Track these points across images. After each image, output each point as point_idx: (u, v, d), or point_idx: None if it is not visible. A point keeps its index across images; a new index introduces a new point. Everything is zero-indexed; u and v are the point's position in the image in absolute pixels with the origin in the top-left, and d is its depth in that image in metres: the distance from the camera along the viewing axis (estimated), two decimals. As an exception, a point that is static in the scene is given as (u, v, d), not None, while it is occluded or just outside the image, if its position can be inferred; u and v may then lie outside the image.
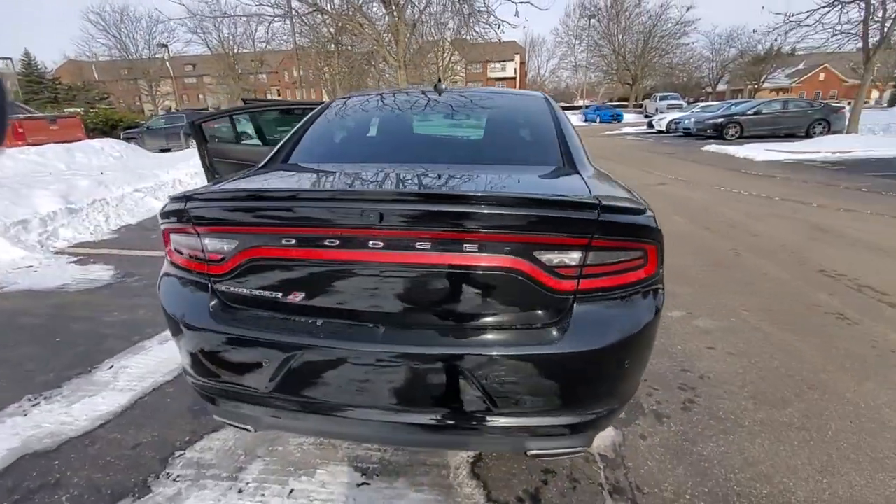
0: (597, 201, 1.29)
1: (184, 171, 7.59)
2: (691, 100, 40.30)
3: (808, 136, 16.76)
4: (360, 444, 1.99)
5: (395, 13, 11.60)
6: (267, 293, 1.42)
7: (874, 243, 4.76)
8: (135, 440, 2.04)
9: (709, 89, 51.58)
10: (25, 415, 2.19)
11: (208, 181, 3.31)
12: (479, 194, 1.26)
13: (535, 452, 1.43)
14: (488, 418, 1.34)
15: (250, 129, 3.85)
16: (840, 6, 13.65)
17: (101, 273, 4.10)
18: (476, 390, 1.30)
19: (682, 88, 47.06)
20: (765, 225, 5.65)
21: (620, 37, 42.36)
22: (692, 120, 19.95)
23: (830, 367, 2.61)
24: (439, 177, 1.60)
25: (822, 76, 55.42)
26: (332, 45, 17.80)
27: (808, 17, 14.45)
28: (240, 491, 1.76)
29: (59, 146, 9.07)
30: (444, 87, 2.56)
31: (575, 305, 1.34)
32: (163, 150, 14.78)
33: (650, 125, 25.97)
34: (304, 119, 2.36)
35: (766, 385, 2.45)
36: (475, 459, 1.92)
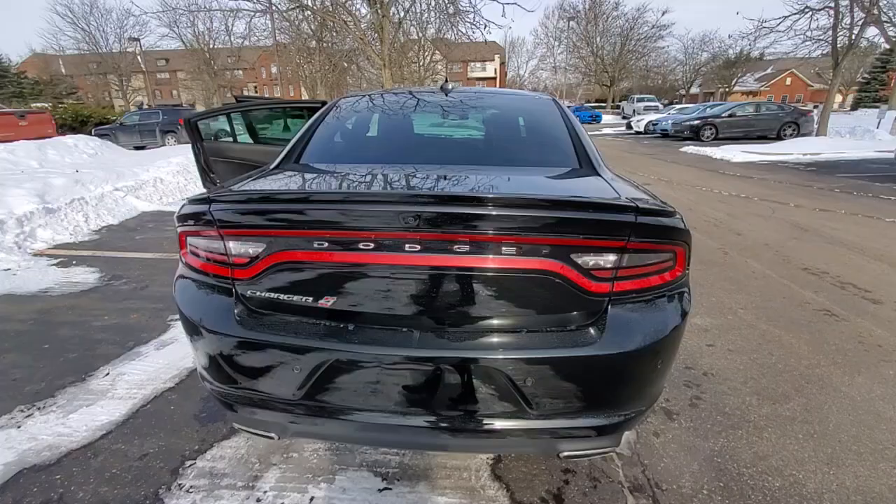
0: (633, 204, 1.30)
1: (165, 169, 7.34)
2: (666, 102, 41.30)
3: (779, 138, 17.37)
4: (378, 449, 1.96)
5: (379, 11, 11.49)
6: (296, 298, 1.38)
7: (852, 242, 4.96)
8: (141, 450, 1.96)
9: (682, 91, 52.94)
10: (19, 427, 2.08)
11: (203, 181, 3.22)
12: (521, 197, 1.26)
13: (567, 454, 1.44)
14: (525, 421, 1.34)
15: (232, 127, 3.74)
16: (810, 13, 14.20)
17: (85, 276, 3.93)
18: (514, 393, 1.30)
19: (656, 90, 48.20)
20: (747, 224, 5.83)
21: (598, 39, 43.10)
22: (669, 122, 20.43)
23: (824, 362, 2.71)
24: (468, 179, 1.58)
25: (788, 80, 57.59)
26: (313, 42, 17.53)
27: (779, 23, 14.96)
28: (258, 500, 1.71)
29: (31, 143, 8.66)
30: (450, 87, 2.55)
31: (609, 307, 1.34)
32: (137, 148, 14.28)
33: (629, 126, 26.49)
34: (313, 118, 2.31)
35: (766, 381, 2.53)
36: (495, 461, 1.92)
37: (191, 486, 1.78)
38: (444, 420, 1.35)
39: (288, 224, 1.34)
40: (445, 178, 1.54)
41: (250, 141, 3.65)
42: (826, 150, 13.55)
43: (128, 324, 3.07)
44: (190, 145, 3.49)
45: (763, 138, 17.59)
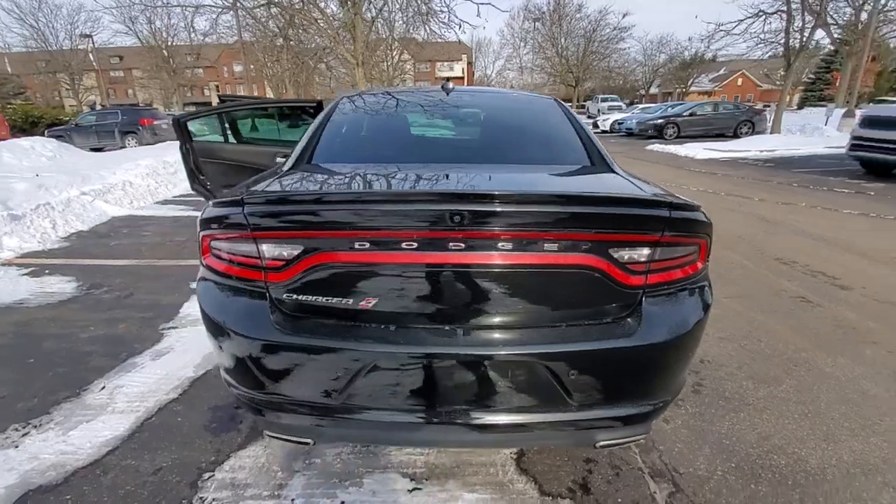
0: (668, 200, 1.35)
1: (133, 172, 6.99)
2: (628, 101, 42.62)
3: (735, 136, 18.26)
4: (402, 450, 1.95)
5: (352, 10, 11.33)
6: (335, 300, 1.36)
7: (815, 233, 5.29)
8: (153, 465, 1.88)
9: (642, 92, 54.77)
10: (17, 447, 1.96)
11: (191, 183, 3.10)
12: (565, 194, 1.29)
13: (603, 443, 1.48)
14: (567, 413, 1.37)
15: (223, 128, 3.61)
16: (764, 17, 14.99)
17: (61, 285, 3.71)
18: (558, 386, 1.33)
19: (618, 90, 49.63)
20: (719, 218, 6.06)
21: (563, 40, 43.91)
22: (634, 121, 21.10)
23: (807, 345, 2.88)
24: (500, 177, 1.60)
25: (739, 81, 60.69)
26: (280, 40, 17.11)
27: (735, 26, 15.73)
28: (287, 508, 1.68)
29: (-16, 146, 8.09)
30: (451, 86, 2.56)
31: (644, 300, 1.40)
32: (94, 150, 13.51)
33: (595, 125, 27.17)
34: (320, 118, 2.27)
35: (758, 365, 2.67)
36: (518, 455, 1.95)
37: (213, 499, 1.72)
38: (489, 416, 1.37)
39: (329, 225, 1.32)
40: (478, 177, 1.56)
41: (233, 141, 3.54)
42: (780, 146, 14.34)
43: (117, 334, 2.92)
44: (177, 146, 3.35)
45: (721, 136, 18.44)
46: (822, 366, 2.65)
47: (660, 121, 19.26)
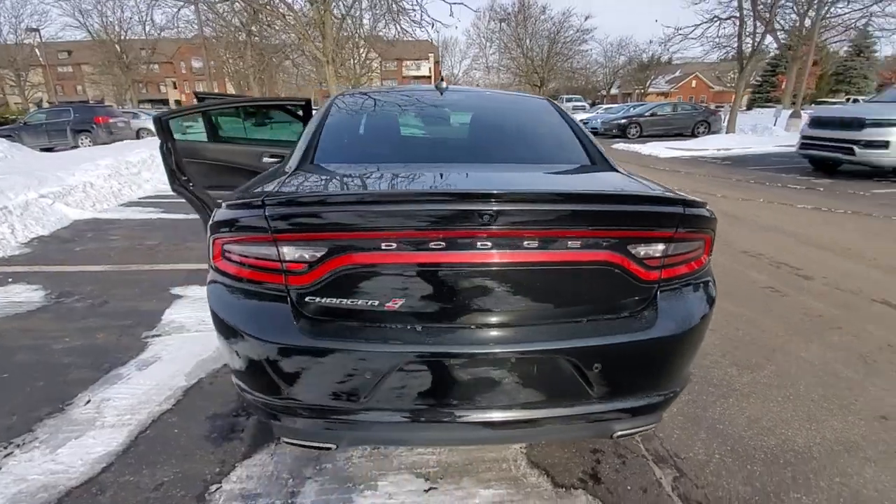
0: (682, 197, 1.41)
1: (93, 173, 6.59)
2: (591, 102, 43.80)
3: (693, 135, 19.12)
4: (413, 450, 1.95)
5: (321, 6, 11.10)
6: (361, 302, 1.35)
7: (775, 227, 5.62)
8: (154, 480, 1.80)
9: (603, 92, 56.43)
10: (0, 468, 1.83)
11: (172, 184, 2.96)
12: (591, 192, 1.33)
13: (620, 433, 1.53)
14: (590, 406, 1.42)
15: (208, 126, 3.48)
16: (718, 22, 15.77)
17: (28, 294, 3.47)
18: (581, 381, 1.37)
19: (581, 91, 50.86)
20: (688, 214, 6.38)
21: (528, 41, 44.59)
22: (599, 120, 21.74)
23: (781, 332, 3.07)
24: (514, 176, 1.62)
25: (693, 83, 63.63)
26: (243, 36, 16.59)
27: (693, 31, 16.46)
28: (303, 515, 1.65)
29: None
30: (444, 86, 2.57)
31: (658, 294, 1.46)
32: (45, 150, 12.66)
33: (561, 125, 27.74)
34: (319, 117, 2.22)
35: (740, 353, 2.82)
36: (528, 449, 1.98)
37: (224, 511, 1.67)
38: (517, 413, 1.39)
39: (356, 226, 1.30)
40: (495, 176, 1.57)
41: (219, 140, 3.40)
42: (735, 145, 15.13)
43: (96, 345, 2.77)
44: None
45: (680, 135, 19.27)
46: (797, 351, 2.83)
47: (623, 121, 19.93)
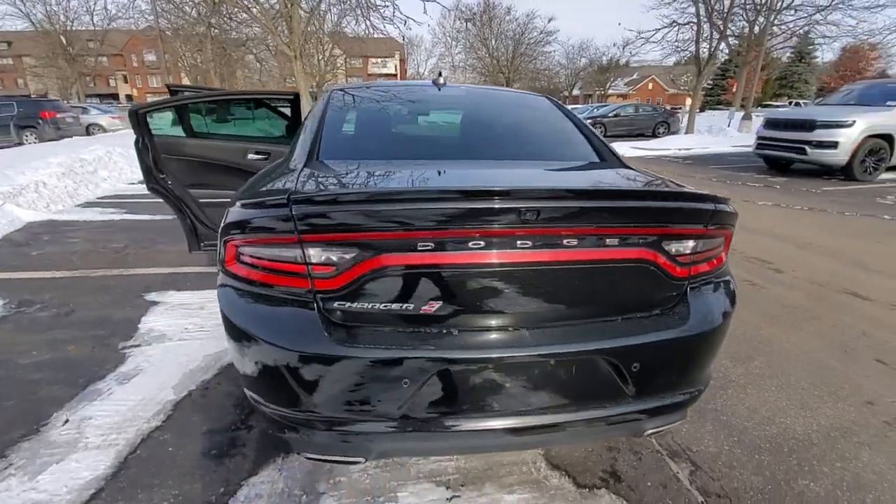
0: (713, 194, 1.42)
1: (45, 171, 6.07)
2: (556, 102, 44.65)
3: (654, 135, 19.87)
4: (429, 458, 1.89)
5: (287, 2, 10.70)
6: (395, 306, 1.28)
7: (741, 224, 5.75)
8: (152, 504, 1.66)
9: (566, 93, 57.78)
10: (-29, 502, 1.63)
11: (148, 183, 2.76)
12: (631, 189, 1.31)
13: (650, 431, 1.53)
14: (627, 406, 1.40)
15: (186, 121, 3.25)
16: (677, 27, 16.45)
17: (-19, 305, 3.15)
18: (618, 380, 1.35)
19: (544, 92, 51.76)
20: (661, 212, 6.60)
21: (494, 41, 44.99)
22: (566, 120, 22.19)
23: (764, 324, 3.19)
24: (537, 174, 1.59)
25: (650, 85, 66.30)
26: (202, 28, 15.86)
27: (654, 34, 17.09)
28: (323, 533, 1.56)
29: None
30: (442, 82, 2.51)
31: (688, 291, 1.46)
32: (-18, 147, 11.65)
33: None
34: (317, 113, 2.11)
35: (730, 345, 2.91)
36: (545, 451, 1.96)
37: (235, 534, 1.55)
38: (554, 416, 1.36)
39: (392, 226, 1.22)
40: (523, 173, 1.53)
41: (201, 135, 3.19)
42: (695, 145, 15.82)
43: (67, 358, 2.54)
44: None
45: (642, 135, 19.97)
46: (781, 342, 2.95)
47: (588, 121, 20.41)
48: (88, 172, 6.95)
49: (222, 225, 1.35)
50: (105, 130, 15.74)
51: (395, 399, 1.27)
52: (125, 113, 18.37)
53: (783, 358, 2.76)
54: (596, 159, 2.06)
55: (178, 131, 3.05)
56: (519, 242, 1.25)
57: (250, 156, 2.95)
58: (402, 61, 52.28)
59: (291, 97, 2.99)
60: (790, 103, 35.57)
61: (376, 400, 1.28)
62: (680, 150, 15.04)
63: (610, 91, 54.54)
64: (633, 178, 1.77)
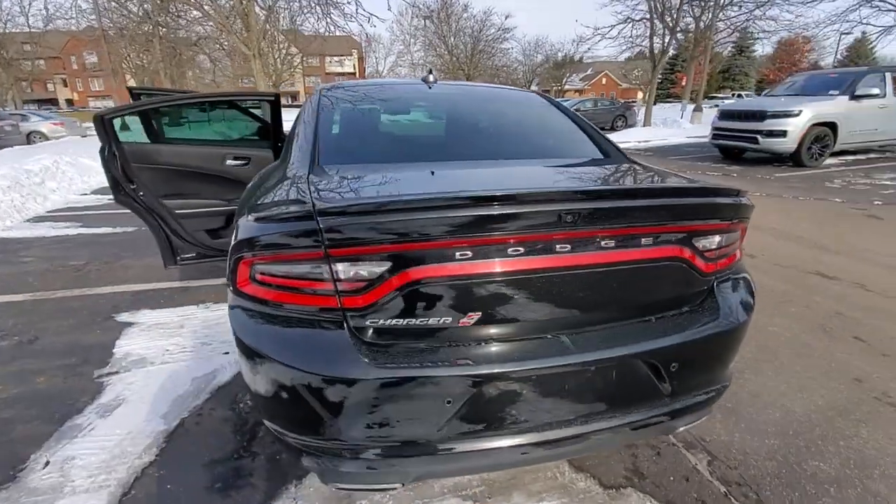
0: (737, 188, 1.42)
1: (-14, 184, 5.54)
2: (515, 98, 45.20)
3: (613, 128, 20.47)
4: (451, 470, 1.82)
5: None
6: (432, 320, 1.20)
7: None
8: (159, 549, 1.51)
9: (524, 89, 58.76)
10: (-56, 569, 1.43)
11: (116, 195, 2.53)
12: (665, 187, 1.29)
13: (681, 429, 1.53)
14: (663, 406, 1.39)
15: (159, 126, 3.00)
16: (632, 23, 16.99)
17: (-73, 338, 2.81)
18: (658, 380, 1.34)
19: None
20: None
21: (452, 38, 45.02)
22: (528, 116, 22.55)
23: (748, 310, 3.31)
24: (554, 173, 1.55)
25: (604, 80, 68.36)
26: (148, 27, 15.00)
27: (610, 30, 17.59)
28: (353, 563, 1.47)
29: None
30: (432, 79, 2.44)
31: (715, 286, 1.46)
32: None
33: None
34: (309, 115, 1.99)
35: (721, 333, 2.99)
36: (566, 453, 1.94)
37: (257, 573, 1.44)
38: (598, 422, 1.32)
39: (430, 234, 1.14)
40: (547, 173, 1.48)
41: (175, 141, 2.96)
42: (652, 137, 16.40)
43: (38, 391, 2.30)
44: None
45: (602, 129, 20.54)
46: (766, 326, 3.06)
47: (552, 116, 20.82)
48: (35, 184, 6.39)
49: (234, 242, 1.24)
50: (47, 138, 14.65)
51: (438, 418, 1.20)
52: (66, 119, 17.19)
53: (772, 342, 2.86)
54: (600, 155, 2.05)
55: (149, 138, 2.82)
56: (558, 246, 1.21)
57: (229, 161, 2.77)
58: (361, 59, 51.48)
59: (272, 98, 2.83)
60: (733, 95, 37.54)
61: (417, 421, 1.20)
62: (639, 142, 15.53)
63: (566, 87, 55.81)
64: (653, 174, 1.77)
